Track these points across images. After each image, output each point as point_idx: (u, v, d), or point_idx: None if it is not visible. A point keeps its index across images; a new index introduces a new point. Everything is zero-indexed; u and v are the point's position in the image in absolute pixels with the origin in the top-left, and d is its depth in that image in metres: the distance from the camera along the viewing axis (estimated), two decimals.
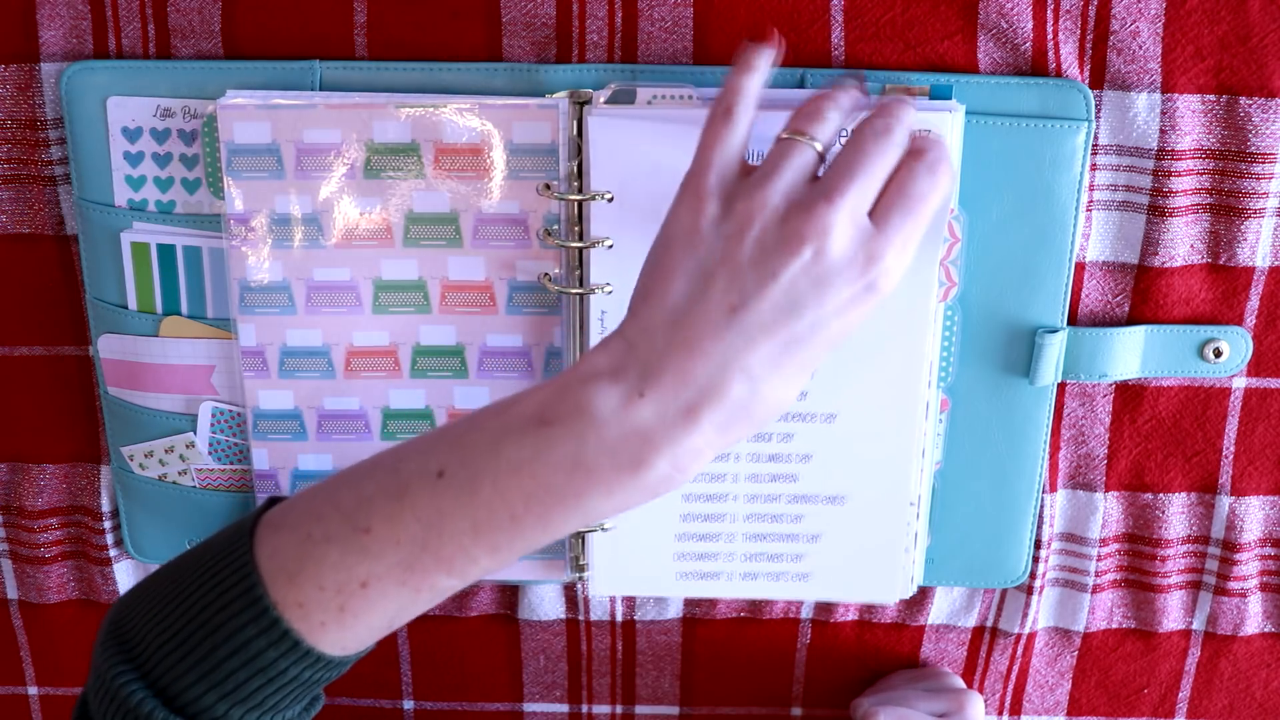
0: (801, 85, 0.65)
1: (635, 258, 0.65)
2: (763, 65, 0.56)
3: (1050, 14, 0.65)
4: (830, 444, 0.68)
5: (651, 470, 0.51)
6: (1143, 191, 0.68)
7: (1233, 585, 0.76)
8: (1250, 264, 0.69)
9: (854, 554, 0.71)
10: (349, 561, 0.51)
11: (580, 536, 0.73)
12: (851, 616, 0.77)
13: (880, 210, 0.54)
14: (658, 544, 0.72)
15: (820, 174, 0.55)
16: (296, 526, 0.52)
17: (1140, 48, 0.65)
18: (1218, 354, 0.70)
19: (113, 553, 0.77)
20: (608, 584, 0.73)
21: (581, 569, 0.74)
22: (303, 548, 0.52)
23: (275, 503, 0.55)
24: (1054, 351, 0.69)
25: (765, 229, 0.52)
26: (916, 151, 0.55)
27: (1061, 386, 0.72)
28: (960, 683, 0.77)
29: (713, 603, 0.77)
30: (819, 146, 0.55)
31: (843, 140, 0.57)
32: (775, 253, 0.52)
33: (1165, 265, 0.69)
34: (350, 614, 0.52)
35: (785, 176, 0.53)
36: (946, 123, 0.63)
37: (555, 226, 0.66)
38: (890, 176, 0.55)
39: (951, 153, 0.64)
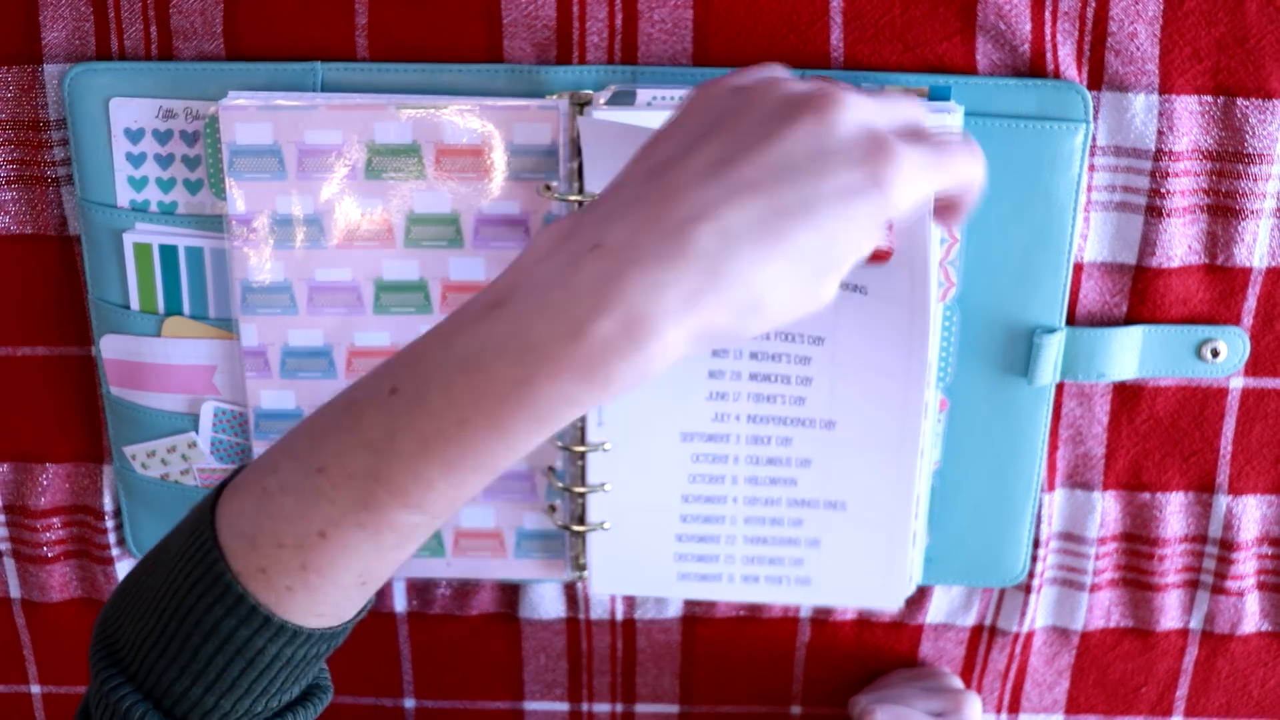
0: None
1: None
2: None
3: (1048, 15, 0.65)
4: (830, 450, 0.68)
5: (594, 332, 0.42)
6: (1140, 192, 0.68)
7: (1230, 584, 0.76)
8: (1247, 264, 0.69)
9: (855, 560, 0.71)
10: (305, 510, 0.47)
11: (580, 536, 0.73)
12: (850, 616, 0.78)
13: (905, 134, 0.48)
14: (657, 544, 0.72)
15: None
16: (253, 484, 0.48)
17: (1138, 49, 0.65)
18: (1215, 354, 0.71)
19: (115, 552, 0.77)
20: (607, 583, 0.73)
21: (582, 568, 0.74)
22: (260, 504, 0.48)
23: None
24: (1052, 351, 0.69)
25: (772, 97, 0.47)
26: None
27: (1060, 386, 0.72)
28: (959, 683, 0.77)
29: (713, 602, 0.78)
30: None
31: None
32: (776, 116, 0.46)
33: (1163, 266, 0.69)
34: (314, 572, 0.47)
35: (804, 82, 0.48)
36: (945, 124, 0.63)
37: None
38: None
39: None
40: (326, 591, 0.48)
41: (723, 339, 0.45)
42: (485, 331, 0.44)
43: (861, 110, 0.47)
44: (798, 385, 0.67)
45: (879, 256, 0.55)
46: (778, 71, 0.52)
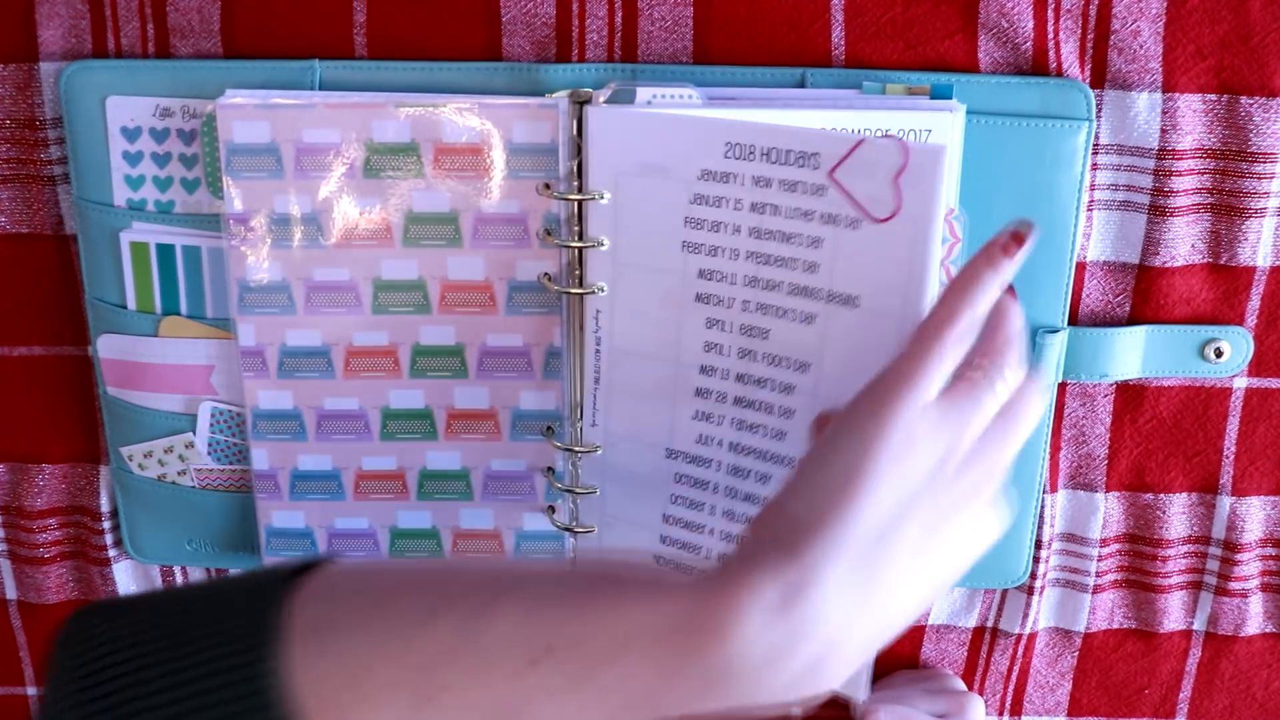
0: (802, 85, 0.65)
1: (634, 258, 0.65)
2: (1008, 269, 0.54)
3: (1051, 13, 0.65)
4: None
5: (774, 696, 0.44)
6: (1143, 191, 0.68)
7: (1233, 585, 0.76)
8: (1251, 264, 0.69)
9: None
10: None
11: (580, 537, 0.72)
12: None
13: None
14: (653, 545, 0.72)
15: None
16: (341, 664, 0.43)
17: (1141, 47, 0.65)
18: (1219, 354, 0.70)
19: (112, 553, 0.77)
20: None
21: None
22: (348, 695, 0.43)
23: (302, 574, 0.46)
24: (1054, 351, 0.69)
25: (962, 474, 0.50)
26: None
27: (1062, 386, 0.72)
28: (962, 685, 0.77)
29: None
30: (1001, 391, 0.52)
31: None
32: (963, 503, 0.50)
33: (1166, 265, 0.69)
34: None
35: (981, 416, 0.51)
36: (947, 122, 0.63)
37: (555, 226, 0.66)
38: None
39: (952, 153, 0.64)
40: None
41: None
42: (671, 656, 0.43)
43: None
44: (779, 417, 0.65)
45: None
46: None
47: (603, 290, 0.66)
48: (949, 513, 0.49)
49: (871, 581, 0.46)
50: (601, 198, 0.65)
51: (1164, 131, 0.66)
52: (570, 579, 0.46)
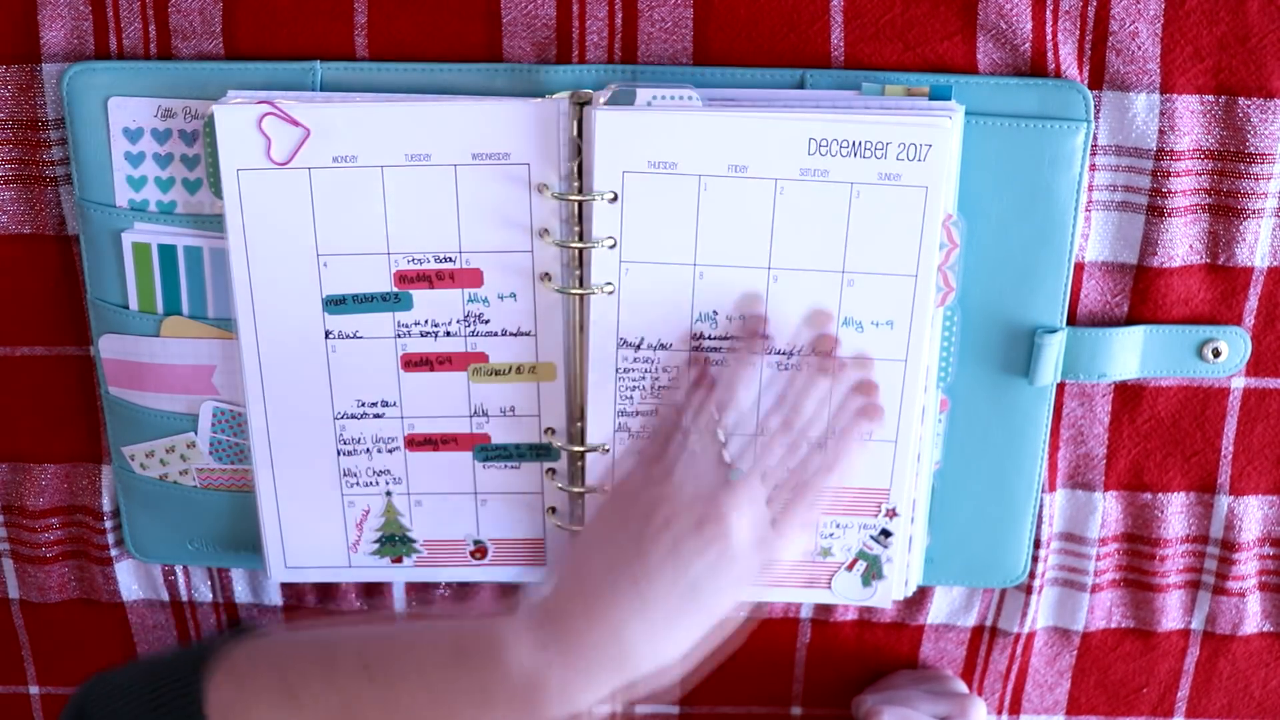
0: (801, 86, 0.65)
1: (634, 258, 0.66)
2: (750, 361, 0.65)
3: (1049, 14, 0.65)
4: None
5: (544, 714, 0.58)
6: (1142, 192, 0.68)
7: (1231, 585, 0.76)
8: (1249, 264, 0.69)
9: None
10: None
11: None
12: (851, 616, 0.78)
13: (781, 503, 0.62)
14: None
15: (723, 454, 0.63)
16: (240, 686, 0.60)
17: (1139, 48, 0.65)
18: (1216, 354, 0.71)
19: (114, 552, 0.77)
20: None
21: None
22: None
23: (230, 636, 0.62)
24: (1053, 351, 0.69)
25: (677, 521, 0.59)
26: (819, 450, 0.64)
27: (1061, 386, 0.72)
28: (963, 687, 0.77)
29: None
30: (723, 436, 0.63)
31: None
32: (684, 546, 0.59)
33: (1164, 265, 0.69)
34: None
35: (698, 464, 0.62)
36: (945, 123, 0.63)
37: (555, 226, 0.66)
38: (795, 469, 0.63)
39: (952, 153, 0.64)
40: None
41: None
42: (454, 672, 0.58)
43: (750, 512, 0.60)
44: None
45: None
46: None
47: (609, 290, 0.66)
48: (658, 558, 0.59)
49: (592, 613, 0.59)
50: (606, 198, 0.65)
51: (1162, 132, 0.66)
52: (409, 627, 0.63)
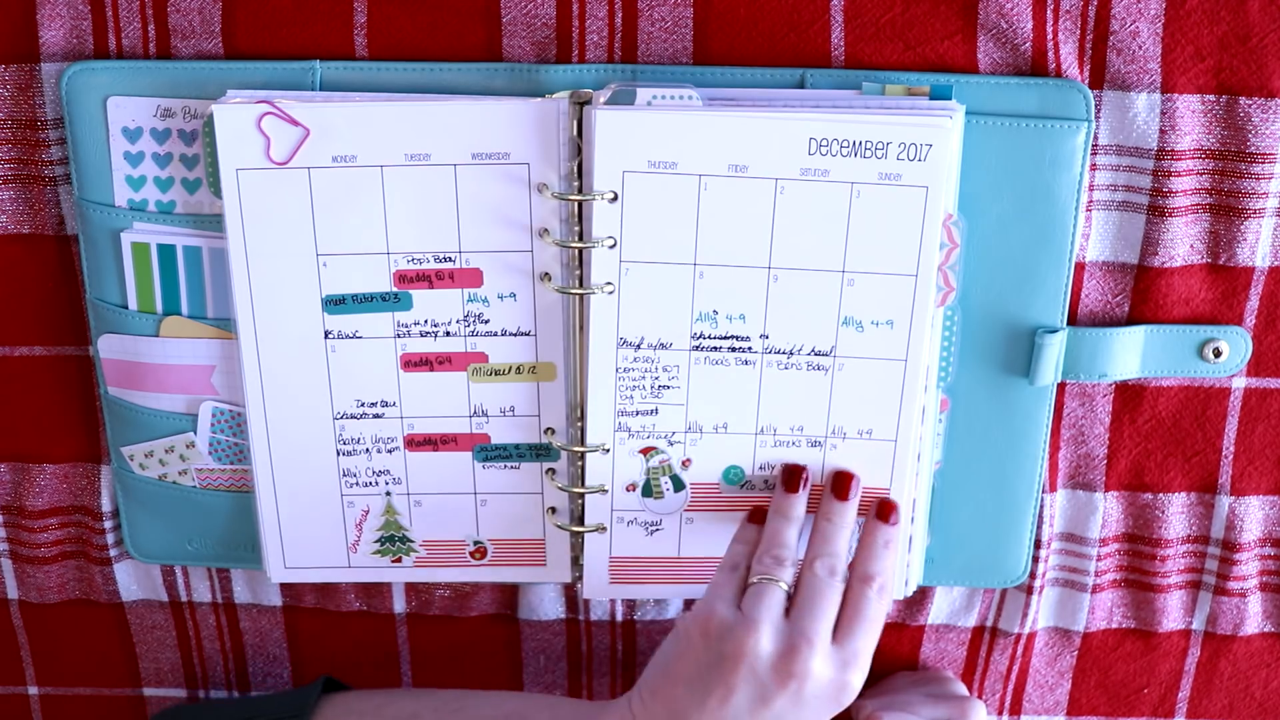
0: (801, 85, 0.65)
1: (634, 257, 0.66)
2: (796, 514, 0.68)
3: (1050, 14, 0.65)
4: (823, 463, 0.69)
5: None
6: (1142, 191, 0.68)
7: (1232, 585, 0.76)
8: (1250, 264, 0.69)
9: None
10: None
11: (580, 537, 0.73)
12: None
13: (844, 635, 0.65)
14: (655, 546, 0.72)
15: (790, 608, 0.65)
16: None
17: (1140, 48, 0.65)
18: (1217, 354, 0.71)
19: (113, 552, 0.77)
20: (600, 589, 0.73)
21: (582, 569, 0.74)
22: None
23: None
24: (1054, 351, 0.69)
25: (758, 669, 0.63)
26: (864, 577, 0.66)
27: (1061, 386, 0.72)
28: (963, 689, 0.77)
29: None
30: (785, 586, 0.65)
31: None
32: (770, 688, 0.63)
33: (1165, 265, 0.69)
34: None
35: (767, 621, 0.64)
36: (946, 123, 0.63)
37: (555, 226, 0.66)
38: (845, 600, 0.65)
39: (952, 153, 0.64)
40: None
41: None
42: None
43: (823, 654, 0.64)
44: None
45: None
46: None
47: (609, 290, 0.66)
48: (746, 701, 0.63)
49: None
50: (606, 198, 0.65)
51: (1163, 132, 0.66)
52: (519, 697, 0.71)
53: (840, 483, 0.69)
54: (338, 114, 0.64)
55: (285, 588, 0.78)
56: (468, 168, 0.65)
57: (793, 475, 0.69)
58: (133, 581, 0.78)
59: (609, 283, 0.66)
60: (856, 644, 0.65)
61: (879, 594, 0.66)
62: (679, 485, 0.71)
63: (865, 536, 0.68)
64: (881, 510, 0.68)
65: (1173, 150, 0.66)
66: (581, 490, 0.71)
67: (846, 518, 0.68)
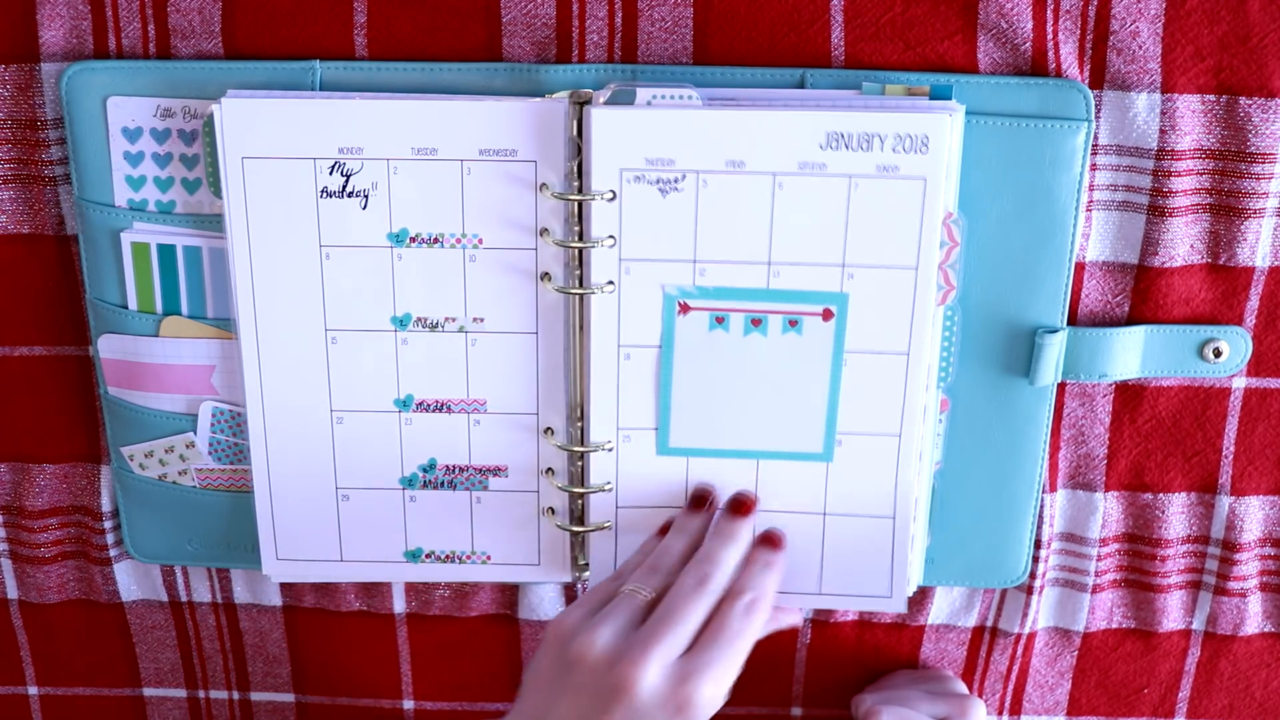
0: (801, 85, 0.65)
1: (634, 256, 0.66)
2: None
3: (1050, 14, 0.65)
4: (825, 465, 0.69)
5: None
6: (1143, 191, 0.68)
7: (1232, 585, 0.76)
8: (1250, 264, 0.69)
9: (853, 563, 0.71)
10: None
11: (580, 537, 0.73)
12: (851, 616, 0.77)
13: (696, 647, 0.61)
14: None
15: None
16: None
17: (1140, 48, 0.65)
18: (1217, 354, 0.71)
19: (113, 553, 0.77)
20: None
21: (582, 568, 0.74)
22: None
23: None
24: (1054, 351, 0.69)
25: (590, 674, 0.60)
26: (736, 592, 0.63)
27: (1061, 386, 0.72)
28: (963, 687, 0.77)
29: None
30: (648, 595, 0.63)
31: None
32: (596, 701, 0.60)
33: (1165, 265, 0.69)
34: None
35: (609, 628, 0.61)
36: (946, 123, 0.63)
37: (556, 226, 0.66)
38: (712, 614, 0.62)
39: (949, 145, 0.64)
40: None
41: None
42: None
43: (660, 663, 0.60)
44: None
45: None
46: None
47: (609, 289, 0.66)
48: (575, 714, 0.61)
49: None
50: (607, 198, 0.65)
51: (1163, 132, 0.66)
52: None
53: (737, 501, 0.68)
54: (343, 109, 0.64)
55: (285, 588, 0.78)
56: (475, 163, 0.65)
57: (699, 498, 0.69)
58: (132, 581, 0.78)
59: (609, 282, 0.66)
60: (707, 656, 0.61)
61: (746, 610, 0.63)
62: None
63: (748, 558, 0.66)
64: (766, 537, 0.67)
65: (1173, 150, 0.66)
66: (581, 490, 0.71)
67: (735, 533, 0.66)
